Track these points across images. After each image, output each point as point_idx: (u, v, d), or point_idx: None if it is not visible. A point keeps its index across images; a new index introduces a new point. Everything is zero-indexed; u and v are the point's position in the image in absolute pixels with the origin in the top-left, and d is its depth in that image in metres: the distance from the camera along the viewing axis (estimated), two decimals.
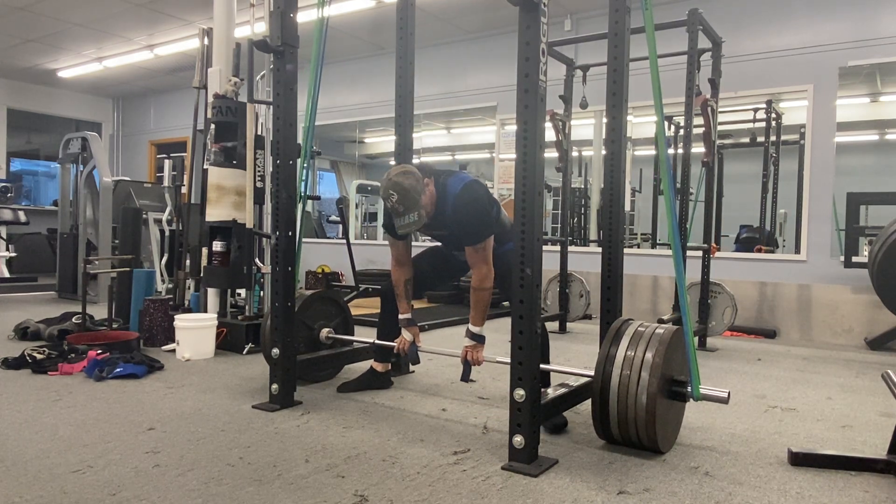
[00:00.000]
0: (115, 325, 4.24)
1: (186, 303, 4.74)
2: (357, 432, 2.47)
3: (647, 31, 2.25)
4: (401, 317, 2.90)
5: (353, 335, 3.42)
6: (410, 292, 2.92)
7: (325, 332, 3.25)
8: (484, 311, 2.68)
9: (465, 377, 2.75)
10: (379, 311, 3.18)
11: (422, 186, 2.54)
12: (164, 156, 10.14)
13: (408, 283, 2.90)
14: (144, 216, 5.83)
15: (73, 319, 4.39)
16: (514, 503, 1.85)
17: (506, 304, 5.83)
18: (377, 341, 3.12)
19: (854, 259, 4.91)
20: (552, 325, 5.23)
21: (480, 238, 2.61)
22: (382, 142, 9.14)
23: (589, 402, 2.34)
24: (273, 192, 2.84)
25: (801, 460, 2.20)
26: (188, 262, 4.77)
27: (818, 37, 5.33)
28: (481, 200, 2.62)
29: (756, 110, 5.96)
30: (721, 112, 4.81)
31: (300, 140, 2.94)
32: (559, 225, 5.52)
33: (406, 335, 2.89)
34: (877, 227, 4.66)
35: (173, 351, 3.88)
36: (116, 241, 6.18)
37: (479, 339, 2.69)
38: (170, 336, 4.05)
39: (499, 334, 4.98)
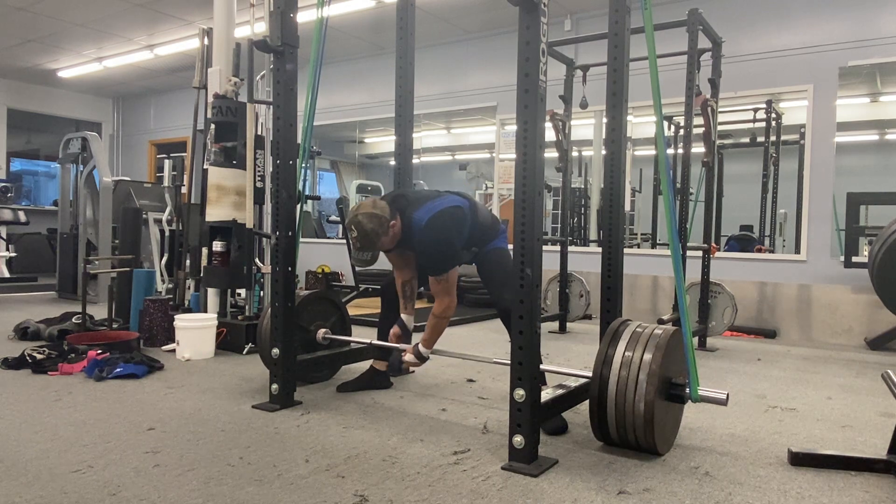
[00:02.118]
0: (115, 325, 4.24)
1: (186, 303, 4.74)
2: (357, 432, 2.47)
3: (647, 31, 2.25)
4: (402, 316, 2.96)
5: (350, 335, 3.41)
6: (411, 293, 2.94)
7: (321, 332, 3.22)
8: (438, 336, 2.81)
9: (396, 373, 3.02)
10: (379, 310, 3.18)
11: (385, 229, 2.62)
12: (164, 156, 10.13)
13: (406, 285, 2.95)
14: (144, 216, 5.83)
15: (73, 319, 4.39)
16: (514, 503, 1.85)
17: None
18: (377, 341, 3.12)
19: (854, 259, 4.90)
20: (552, 325, 5.24)
21: (442, 271, 2.67)
22: (382, 142, 9.14)
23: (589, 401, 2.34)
24: (273, 192, 2.84)
25: (801, 460, 2.20)
26: (188, 262, 4.77)
27: (818, 37, 5.33)
28: (443, 237, 2.65)
29: (756, 110, 5.96)
30: (721, 112, 4.81)
31: (299, 140, 2.94)
32: (559, 225, 5.52)
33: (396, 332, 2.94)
34: (877, 227, 4.66)
35: (173, 351, 3.88)
36: (116, 241, 6.18)
37: (423, 360, 2.81)
38: (170, 336, 4.05)
39: (499, 334, 4.98)
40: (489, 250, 2.87)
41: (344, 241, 5.91)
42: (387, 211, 2.64)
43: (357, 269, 2.76)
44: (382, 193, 8.64)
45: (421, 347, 2.80)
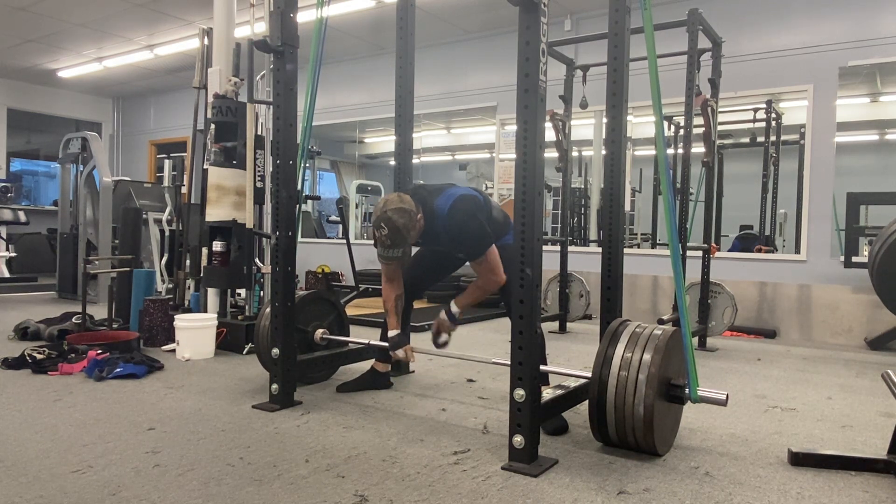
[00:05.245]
0: (115, 325, 4.24)
1: (186, 303, 4.74)
2: (357, 432, 2.47)
3: (647, 31, 2.25)
4: (390, 333, 2.90)
5: (348, 335, 3.40)
6: (401, 308, 2.94)
7: (319, 332, 3.20)
8: (473, 301, 2.80)
9: (440, 344, 2.89)
10: (383, 310, 3.17)
11: (413, 222, 2.58)
12: (164, 156, 10.14)
13: (398, 300, 2.92)
14: (144, 216, 5.83)
15: (73, 319, 4.39)
16: (514, 503, 1.85)
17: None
18: (375, 342, 3.11)
19: (854, 259, 4.90)
20: (552, 325, 5.24)
21: (479, 253, 2.67)
22: (382, 142, 9.14)
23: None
24: (273, 192, 2.85)
25: (801, 460, 2.20)
26: (188, 262, 4.77)
27: (818, 37, 5.33)
28: (472, 217, 2.64)
29: (756, 110, 5.96)
30: (721, 112, 4.81)
31: (299, 140, 2.94)
32: (559, 225, 5.52)
33: (399, 353, 2.87)
34: (877, 227, 4.66)
35: (173, 351, 3.88)
36: (116, 241, 6.18)
37: (453, 319, 2.80)
38: (170, 336, 4.05)
39: (499, 334, 4.98)
40: (499, 246, 2.85)
41: (344, 241, 5.90)
42: (412, 204, 2.61)
43: (382, 264, 2.76)
44: (382, 193, 8.68)
45: (453, 305, 2.77)
